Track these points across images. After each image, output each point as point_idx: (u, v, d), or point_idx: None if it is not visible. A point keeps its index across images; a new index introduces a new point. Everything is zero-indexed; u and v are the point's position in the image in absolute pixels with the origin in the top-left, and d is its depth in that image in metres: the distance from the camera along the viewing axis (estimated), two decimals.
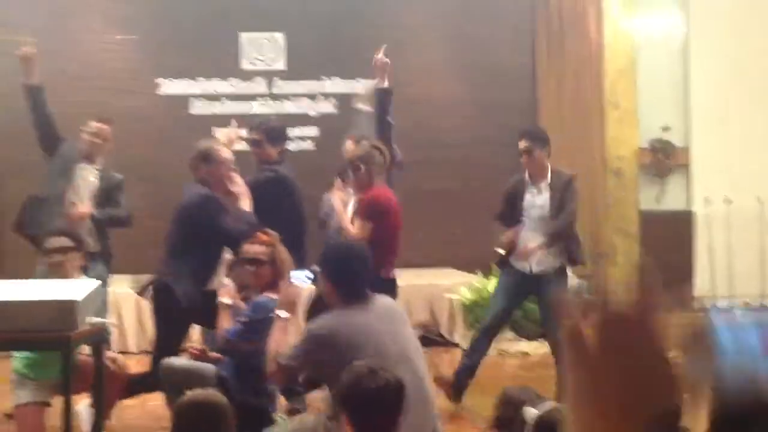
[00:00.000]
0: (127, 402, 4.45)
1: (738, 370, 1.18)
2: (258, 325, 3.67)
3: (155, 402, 4.34)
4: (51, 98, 5.11)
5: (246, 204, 4.36)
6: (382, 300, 3.36)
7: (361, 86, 7.68)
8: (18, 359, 3.96)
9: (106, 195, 5.00)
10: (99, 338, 3.22)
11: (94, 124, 5.02)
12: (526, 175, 4.90)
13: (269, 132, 4.90)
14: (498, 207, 5.01)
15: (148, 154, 7.32)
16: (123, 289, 6.07)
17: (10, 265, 7.26)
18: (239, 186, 4.37)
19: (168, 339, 4.27)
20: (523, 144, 4.84)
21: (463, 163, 7.68)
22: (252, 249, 3.93)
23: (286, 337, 3.40)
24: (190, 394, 2.70)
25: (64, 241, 4.04)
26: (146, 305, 5.23)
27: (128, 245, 5.82)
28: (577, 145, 7.31)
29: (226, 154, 4.34)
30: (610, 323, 0.79)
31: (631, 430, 0.77)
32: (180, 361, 4.02)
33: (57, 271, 3.97)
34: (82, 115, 5.35)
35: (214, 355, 4.03)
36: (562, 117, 7.56)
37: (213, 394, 2.83)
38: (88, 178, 5.00)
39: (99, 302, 3.80)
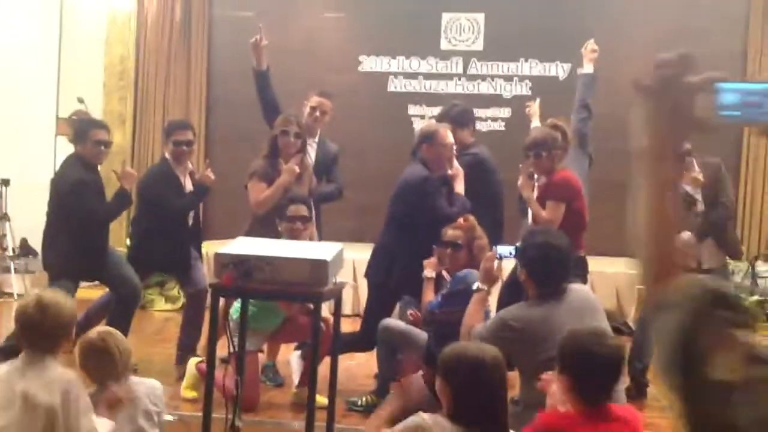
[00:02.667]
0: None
1: None
2: (458, 296, 3.75)
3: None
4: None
5: (460, 187, 4.48)
6: (576, 293, 3.34)
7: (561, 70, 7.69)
8: (236, 311, 4.19)
9: (323, 169, 5.21)
10: (338, 296, 3.48)
11: (316, 98, 5.19)
12: None
13: (456, 118, 4.88)
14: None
15: (348, 128, 7.61)
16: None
17: (216, 228, 7.83)
18: (456, 169, 4.51)
19: (379, 308, 4.49)
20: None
21: None
22: (450, 233, 4.04)
23: (482, 311, 3.50)
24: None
25: (303, 210, 4.30)
26: (361, 271, 5.49)
27: (330, 215, 6.13)
28: None
29: (449, 138, 4.48)
30: None
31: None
32: (398, 324, 4.22)
33: (295, 237, 4.24)
34: (295, 90, 5.54)
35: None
36: None
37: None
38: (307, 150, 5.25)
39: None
